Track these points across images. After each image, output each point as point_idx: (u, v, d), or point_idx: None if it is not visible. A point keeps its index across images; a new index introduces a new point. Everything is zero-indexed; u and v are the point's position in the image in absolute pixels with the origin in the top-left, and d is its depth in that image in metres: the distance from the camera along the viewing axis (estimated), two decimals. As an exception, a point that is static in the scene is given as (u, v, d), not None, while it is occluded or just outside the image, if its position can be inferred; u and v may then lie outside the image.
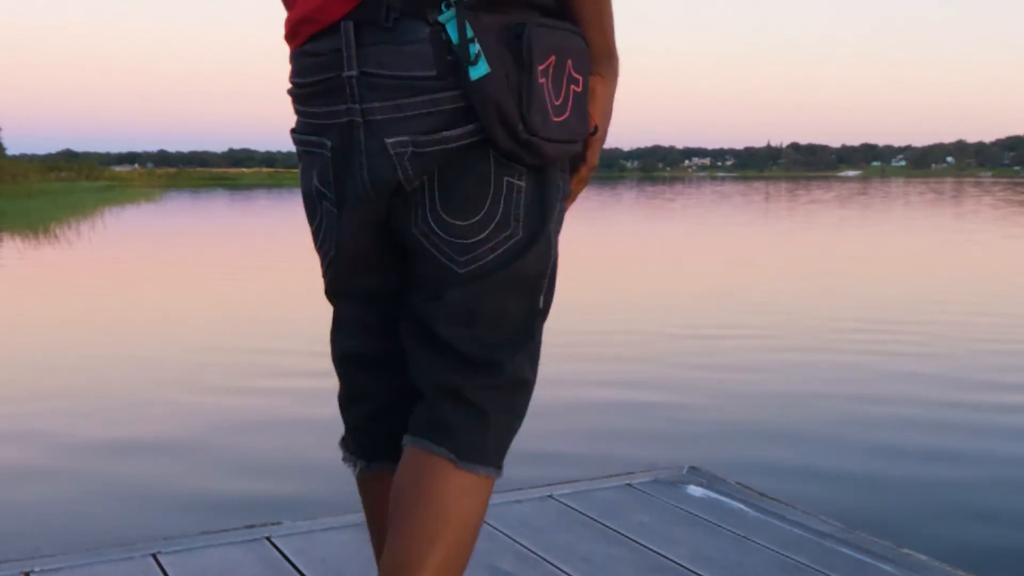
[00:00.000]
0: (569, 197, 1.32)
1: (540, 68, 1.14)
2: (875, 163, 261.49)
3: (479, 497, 1.24)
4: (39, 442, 4.58)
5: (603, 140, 1.30)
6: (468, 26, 1.12)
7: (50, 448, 4.48)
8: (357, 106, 1.18)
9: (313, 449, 4.36)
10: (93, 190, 47.50)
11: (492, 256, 1.21)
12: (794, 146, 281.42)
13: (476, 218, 1.20)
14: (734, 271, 12.54)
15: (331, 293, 1.37)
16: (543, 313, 1.29)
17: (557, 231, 1.28)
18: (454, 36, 1.13)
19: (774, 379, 5.89)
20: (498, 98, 1.13)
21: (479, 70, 1.12)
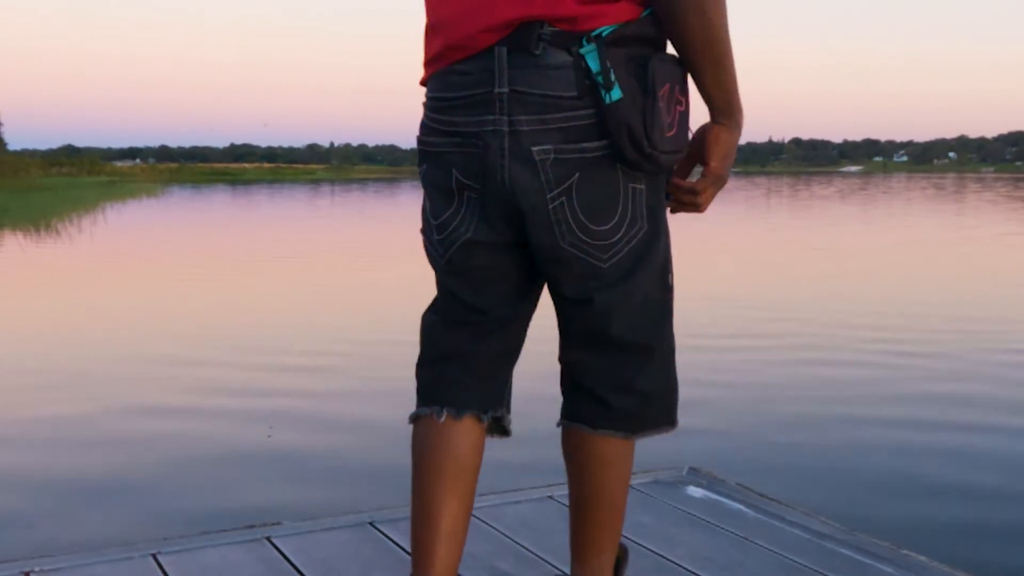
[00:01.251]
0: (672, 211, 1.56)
1: (660, 93, 1.38)
2: (877, 158, 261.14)
3: (632, 446, 1.62)
4: (38, 440, 4.58)
5: (720, 180, 1.52)
6: (607, 59, 1.35)
7: (50, 446, 4.48)
8: (505, 117, 1.40)
9: (314, 449, 4.37)
10: (95, 185, 47.51)
11: (627, 248, 1.48)
12: (796, 141, 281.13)
13: (613, 221, 1.45)
14: (733, 269, 12.53)
15: (451, 271, 1.56)
16: (672, 288, 1.57)
17: (667, 219, 1.55)
18: (593, 65, 1.36)
19: (774, 380, 5.89)
20: (628, 119, 1.36)
21: (614, 95, 1.36)
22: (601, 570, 1.65)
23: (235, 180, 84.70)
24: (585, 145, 1.40)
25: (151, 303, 9.24)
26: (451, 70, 1.45)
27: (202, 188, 58.89)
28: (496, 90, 1.40)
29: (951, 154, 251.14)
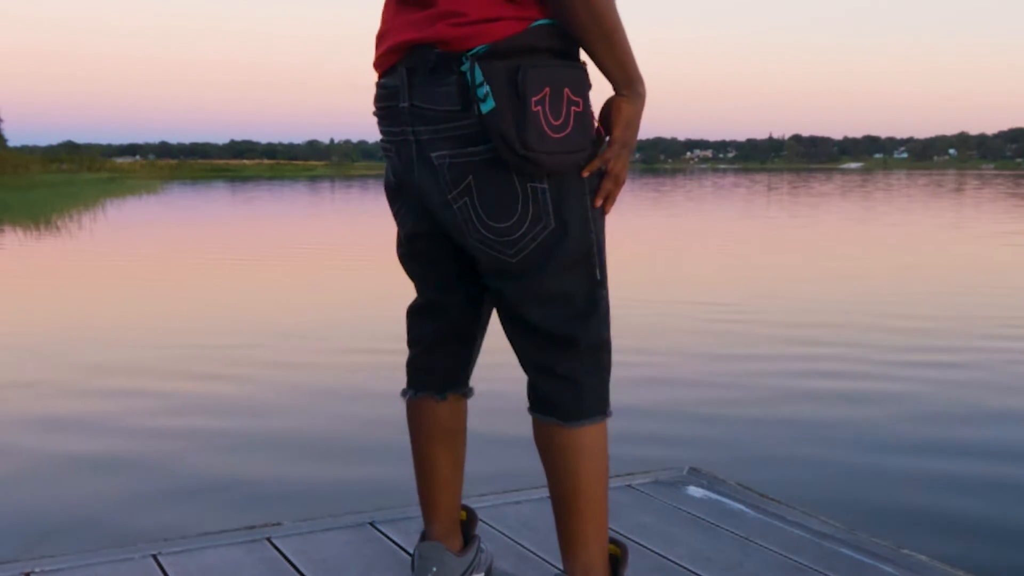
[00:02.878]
0: (601, 194, 1.61)
1: (535, 99, 1.48)
2: (877, 155, 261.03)
3: (595, 437, 1.63)
4: (38, 440, 4.58)
5: (626, 146, 1.60)
6: (479, 73, 1.48)
7: (45, 445, 4.48)
8: (410, 128, 1.59)
9: (314, 449, 4.37)
10: (95, 181, 47.50)
11: (535, 244, 1.56)
12: (796, 138, 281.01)
13: (514, 219, 1.55)
14: (733, 267, 12.53)
15: (404, 255, 1.78)
16: (602, 282, 1.63)
17: (595, 217, 1.60)
18: (471, 80, 1.49)
19: (774, 379, 5.88)
20: (500, 126, 1.48)
21: (487, 106, 1.48)
22: (590, 564, 1.66)
23: (235, 176, 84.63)
24: (472, 149, 1.53)
25: (149, 299, 9.24)
26: (379, 83, 1.66)
27: (202, 184, 58.84)
28: (400, 104, 1.59)
29: (951, 151, 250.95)
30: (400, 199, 1.71)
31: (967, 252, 14.57)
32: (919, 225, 20.89)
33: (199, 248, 15.39)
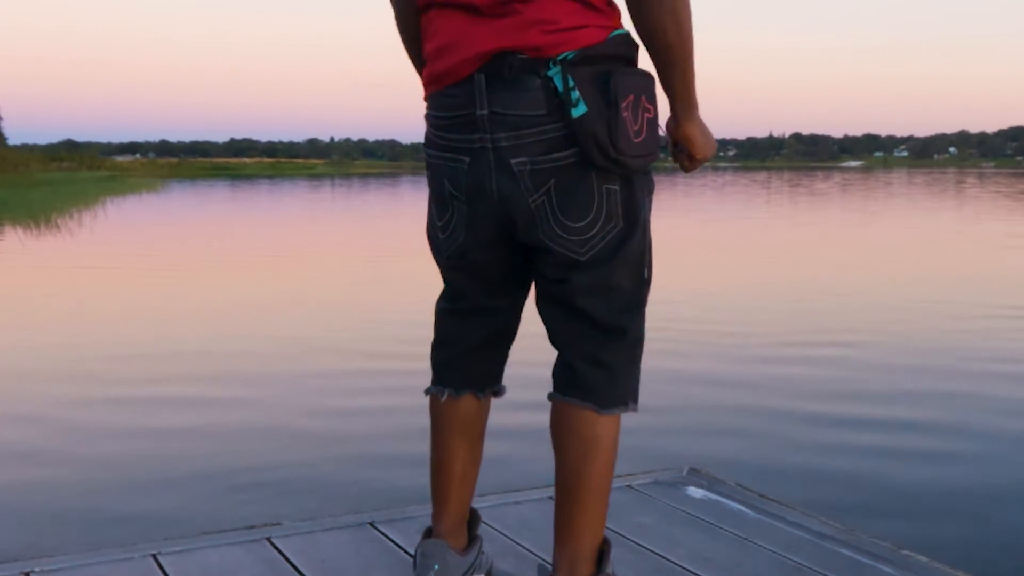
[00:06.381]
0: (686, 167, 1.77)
1: (623, 105, 1.54)
2: (877, 153, 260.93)
3: (615, 429, 1.71)
4: (39, 440, 4.58)
5: (707, 158, 1.75)
6: (570, 79, 1.53)
7: (50, 446, 4.48)
8: (488, 135, 1.59)
9: (314, 450, 4.37)
10: (95, 180, 47.42)
11: (604, 243, 1.62)
12: (796, 136, 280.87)
13: (588, 219, 1.61)
14: (731, 267, 12.53)
15: (450, 267, 1.78)
16: (648, 282, 1.71)
17: (648, 217, 1.69)
18: (559, 85, 1.54)
19: (774, 380, 5.88)
20: (594, 130, 1.53)
21: (579, 110, 1.53)
22: (578, 556, 1.69)
23: (235, 175, 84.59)
24: (556, 155, 1.57)
25: (150, 299, 9.24)
26: (443, 93, 1.65)
27: (202, 183, 58.80)
28: (478, 112, 1.59)
29: (951, 149, 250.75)
30: (452, 209, 1.70)
31: (965, 253, 14.56)
32: (905, 225, 20.87)
33: (198, 248, 15.39)
